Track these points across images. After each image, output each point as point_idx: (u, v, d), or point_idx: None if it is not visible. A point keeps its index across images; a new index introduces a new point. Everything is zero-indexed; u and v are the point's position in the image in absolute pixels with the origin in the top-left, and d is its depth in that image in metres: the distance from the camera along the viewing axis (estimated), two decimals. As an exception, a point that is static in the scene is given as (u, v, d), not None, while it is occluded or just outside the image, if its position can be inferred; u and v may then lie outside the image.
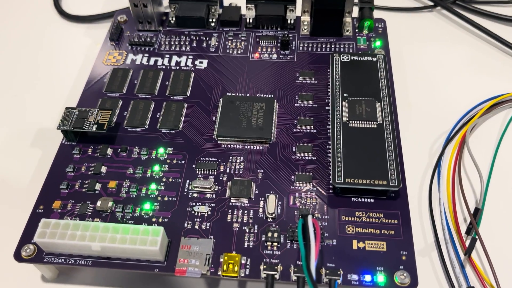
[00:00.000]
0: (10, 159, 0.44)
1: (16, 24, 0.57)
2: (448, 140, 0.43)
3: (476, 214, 0.38)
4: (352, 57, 0.43)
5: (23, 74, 0.51)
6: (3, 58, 0.53)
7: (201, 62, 0.46)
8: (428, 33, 0.53)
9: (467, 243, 0.36)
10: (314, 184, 0.37)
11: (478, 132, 0.44)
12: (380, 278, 0.32)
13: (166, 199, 0.36)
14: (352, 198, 0.36)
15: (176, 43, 0.47)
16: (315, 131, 0.40)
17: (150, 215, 0.36)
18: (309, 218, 0.32)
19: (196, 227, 0.35)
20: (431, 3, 0.55)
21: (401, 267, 0.33)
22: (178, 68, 0.45)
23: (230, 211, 0.36)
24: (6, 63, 0.52)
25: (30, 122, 0.47)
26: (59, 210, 0.36)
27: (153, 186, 0.37)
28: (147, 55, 0.47)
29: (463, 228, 0.38)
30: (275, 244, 0.34)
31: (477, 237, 0.36)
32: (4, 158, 0.44)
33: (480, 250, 0.36)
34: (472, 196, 0.40)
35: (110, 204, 0.36)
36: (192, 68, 0.45)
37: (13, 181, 0.42)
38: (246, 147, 0.39)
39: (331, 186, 0.37)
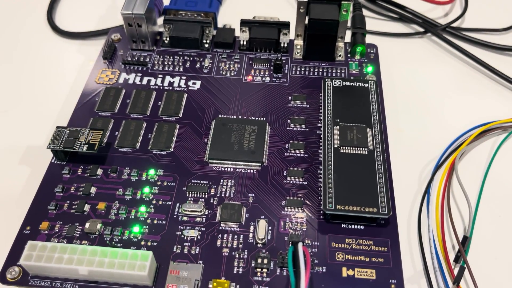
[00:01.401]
0: (-3, 176, 0.43)
1: (8, 38, 0.57)
2: (438, 167, 0.43)
3: (465, 242, 0.38)
4: (344, 83, 0.44)
5: (13, 89, 0.51)
6: (-6, 72, 0.53)
7: (194, 83, 0.46)
8: (419, 59, 0.54)
9: (456, 271, 0.36)
10: (304, 209, 0.37)
11: (467, 159, 0.45)
12: (369, 307, 0.32)
13: (155, 222, 0.36)
14: (342, 225, 0.36)
15: (170, 63, 0.48)
16: (307, 155, 0.40)
17: (139, 238, 0.35)
18: (300, 245, 0.32)
19: (185, 251, 0.35)
20: (421, 30, 0.56)
21: (390, 295, 0.33)
22: (171, 88, 0.45)
23: (220, 235, 0.36)
24: (-4, 78, 0.52)
25: (20, 139, 0.46)
26: (46, 231, 0.36)
27: (142, 208, 0.37)
28: (140, 74, 0.47)
29: (452, 256, 0.38)
30: (265, 270, 0.34)
31: (465, 265, 0.36)
32: (-8, 175, 0.43)
33: (469, 279, 0.36)
34: (461, 224, 0.40)
35: (98, 226, 0.36)
36: (185, 89, 0.45)
37: (0, 198, 0.42)
38: (237, 170, 0.39)
39: (321, 212, 0.37)
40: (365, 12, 0.57)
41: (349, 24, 0.50)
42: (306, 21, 0.46)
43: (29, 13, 0.59)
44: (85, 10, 0.60)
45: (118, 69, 0.47)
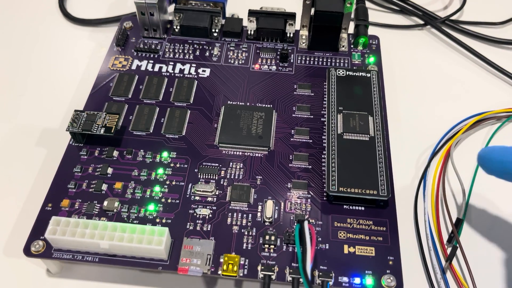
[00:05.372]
0: (15, 156, 0.45)
1: (21, 25, 0.58)
2: (434, 154, 0.46)
3: (458, 224, 0.40)
4: (347, 72, 0.46)
5: (27, 75, 0.53)
6: (7, 58, 0.54)
7: (203, 71, 0.48)
8: (418, 50, 0.56)
9: (449, 251, 0.39)
10: (309, 191, 0.39)
11: (462, 146, 0.47)
12: (369, 281, 0.35)
13: (169, 201, 0.39)
14: (344, 206, 0.39)
15: (180, 51, 0.50)
16: (311, 141, 0.43)
17: (154, 215, 0.38)
18: (306, 223, 0.34)
19: (198, 228, 0.37)
20: (421, 22, 0.58)
21: (388, 271, 0.35)
22: (181, 75, 0.48)
23: (230, 214, 0.38)
24: (10, 63, 0.54)
25: (35, 121, 0.48)
26: (67, 209, 0.38)
27: (157, 188, 0.39)
28: (152, 61, 0.49)
29: (445, 237, 0.40)
30: (272, 246, 0.36)
31: (457, 245, 0.39)
32: (8, 155, 0.45)
33: (461, 258, 0.39)
34: (455, 207, 0.43)
35: (116, 204, 0.38)
36: (195, 76, 0.48)
37: (19, 178, 0.44)
38: (246, 154, 0.42)
39: (325, 194, 0.39)
40: (367, 3, 0.59)
41: (352, 15, 0.52)
42: (312, 13, 0.48)
43: (42, 0, 0.61)
44: (95, -3, 0.62)
45: (131, 56, 0.49)
